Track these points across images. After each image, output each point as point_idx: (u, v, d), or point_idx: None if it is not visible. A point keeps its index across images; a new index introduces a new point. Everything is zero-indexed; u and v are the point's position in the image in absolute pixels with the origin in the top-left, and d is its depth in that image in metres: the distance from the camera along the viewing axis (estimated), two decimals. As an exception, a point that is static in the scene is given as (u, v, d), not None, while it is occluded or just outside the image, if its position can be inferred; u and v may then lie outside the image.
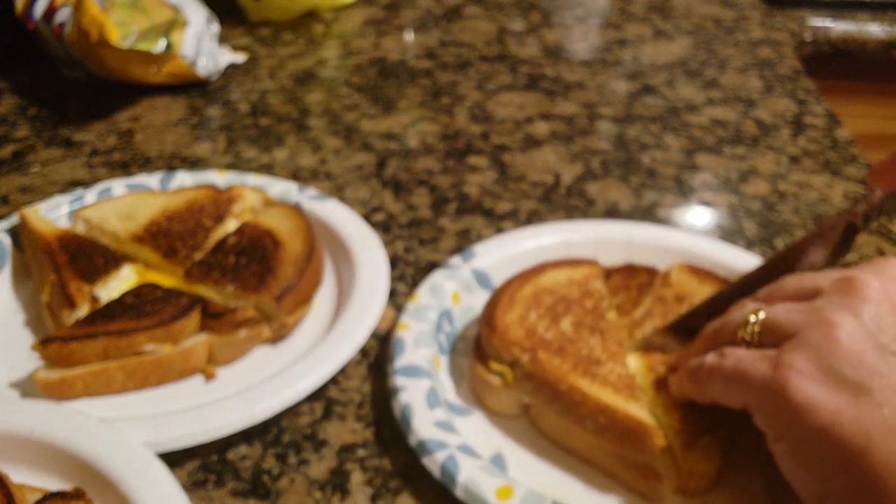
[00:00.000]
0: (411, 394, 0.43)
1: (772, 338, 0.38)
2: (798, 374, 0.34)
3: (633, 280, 0.51)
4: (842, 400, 0.33)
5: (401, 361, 0.46)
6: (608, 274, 0.52)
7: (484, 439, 0.44)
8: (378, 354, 0.49)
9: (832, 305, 0.36)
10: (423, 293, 0.50)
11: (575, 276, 0.50)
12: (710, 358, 0.39)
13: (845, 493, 0.33)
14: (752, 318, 0.39)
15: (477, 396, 0.46)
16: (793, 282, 0.41)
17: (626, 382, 0.43)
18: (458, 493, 0.39)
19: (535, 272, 0.50)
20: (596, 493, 0.42)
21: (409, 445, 0.42)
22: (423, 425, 0.42)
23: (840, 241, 0.44)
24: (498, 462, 0.43)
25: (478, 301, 0.51)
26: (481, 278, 0.52)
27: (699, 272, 0.51)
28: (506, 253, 0.54)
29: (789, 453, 0.35)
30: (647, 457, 0.40)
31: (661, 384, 0.43)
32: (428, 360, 0.46)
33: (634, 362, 0.46)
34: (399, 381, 0.44)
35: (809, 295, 0.38)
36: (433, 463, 0.40)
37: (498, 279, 0.52)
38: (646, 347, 0.47)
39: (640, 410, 0.41)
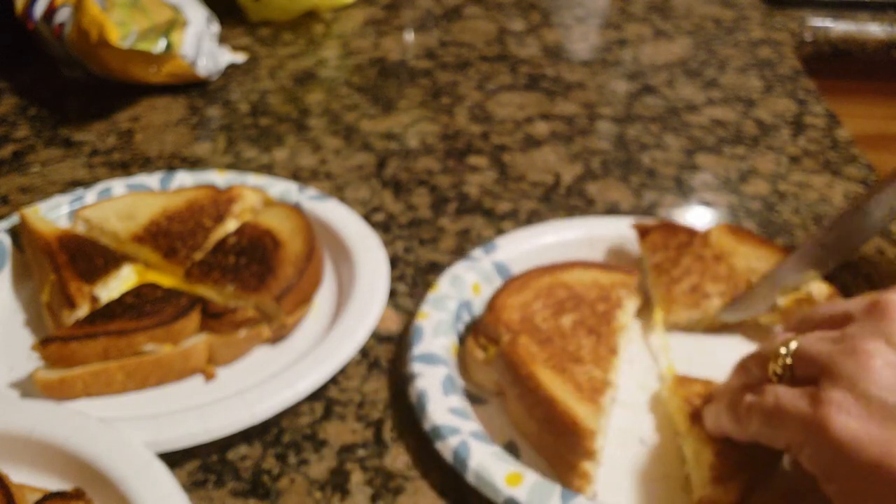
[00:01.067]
0: (427, 380, 0.44)
1: (805, 369, 0.36)
2: (838, 409, 0.33)
3: (672, 239, 0.53)
4: (888, 431, 0.32)
5: (419, 349, 0.46)
6: (645, 231, 0.53)
7: (498, 427, 0.44)
8: (377, 354, 0.49)
9: (863, 332, 0.35)
10: (444, 284, 0.51)
11: (603, 279, 0.50)
12: (749, 396, 0.38)
13: None
14: (783, 350, 0.38)
15: (463, 365, 0.47)
16: (822, 309, 0.40)
17: (593, 386, 0.43)
18: (469, 478, 0.39)
19: (562, 267, 0.51)
20: (607, 484, 0.42)
21: (424, 430, 0.42)
22: (438, 411, 0.42)
23: None
24: (511, 450, 0.43)
25: None
26: (502, 270, 0.53)
27: (738, 232, 0.53)
28: (528, 246, 0.55)
29: (842, 493, 0.34)
30: (578, 458, 0.40)
31: (696, 416, 0.43)
32: (446, 348, 0.47)
33: (668, 395, 0.46)
34: (416, 367, 0.45)
35: (840, 322, 0.37)
36: (446, 448, 0.41)
37: (518, 271, 0.52)
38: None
39: (588, 414, 0.41)
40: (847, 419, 0.33)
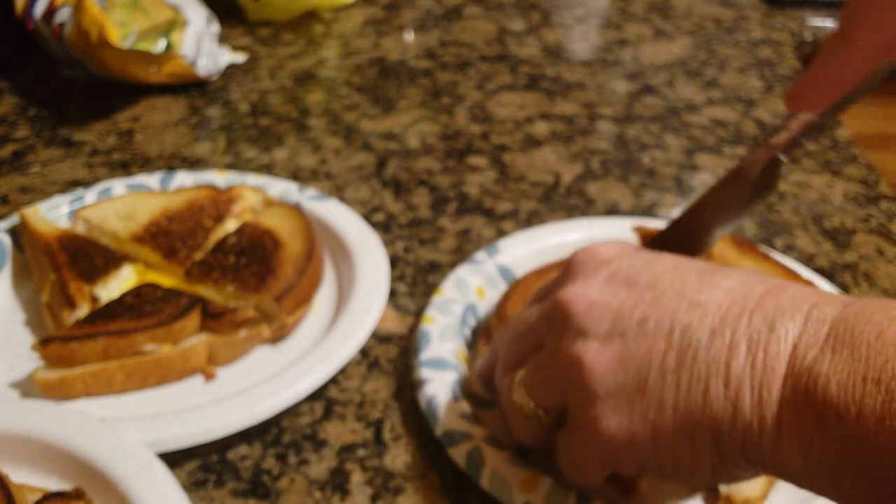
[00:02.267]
0: (437, 386, 0.44)
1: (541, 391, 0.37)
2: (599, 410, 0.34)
3: (674, 248, 0.52)
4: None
5: (426, 354, 0.46)
6: (646, 236, 0.52)
7: (507, 431, 0.44)
8: (377, 354, 0.49)
9: (552, 352, 0.36)
10: (449, 287, 0.51)
11: None
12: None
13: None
14: (519, 395, 0.38)
15: (473, 370, 0.47)
16: (508, 337, 0.41)
17: None
18: (484, 483, 0.39)
19: (558, 267, 0.50)
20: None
21: (435, 436, 0.42)
22: (450, 417, 0.42)
23: (761, 178, 0.43)
24: (520, 454, 0.43)
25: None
26: (505, 273, 0.53)
27: (742, 244, 0.53)
28: (530, 248, 0.55)
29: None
30: None
31: None
32: (454, 353, 0.47)
33: None
34: (425, 373, 0.45)
35: (533, 342, 0.38)
36: (459, 453, 0.40)
37: (522, 274, 0.52)
38: None
39: None
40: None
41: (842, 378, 0.27)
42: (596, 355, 0.34)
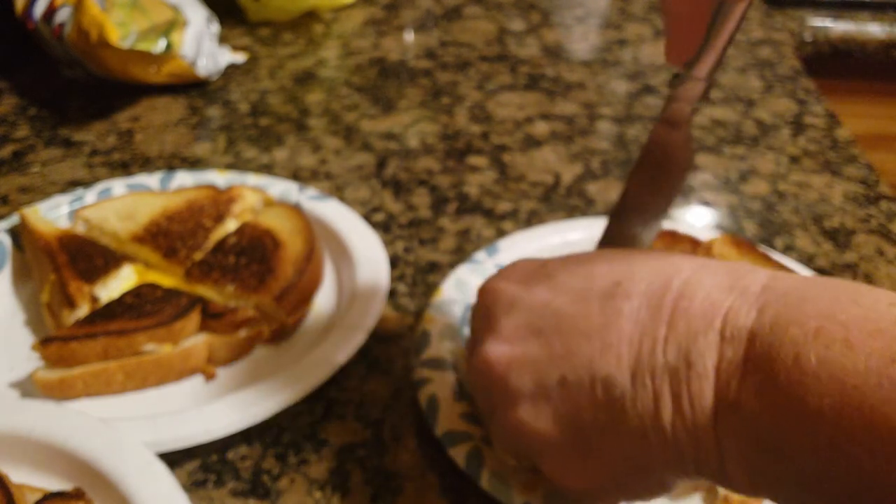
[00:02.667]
0: (437, 386, 0.44)
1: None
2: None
3: (675, 248, 0.52)
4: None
5: (426, 354, 0.46)
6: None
7: None
8: (377, 354, 0.49)
9: (498, 424, 0.36)
10: (449, 288, 0.51)
11: None
12: None
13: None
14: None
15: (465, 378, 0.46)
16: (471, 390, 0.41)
17: None
18: (483, 484, 0.39)
19: None
20: None
21: (435, 436, 0.42)
22: (450, 417, 0.42)
23: (681, 156, 0.41)
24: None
25: None
26: None
27: (741, 244, 0.53)
28: (530, 248, 0.55)
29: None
30: None
31: None
32: (454, 353, 0.47)
33: None
34: (425, 373, 0.45)
35: (485, 407, 0.39)
36: (459, 454, 0.40)
37: None
38: None
39: None
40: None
41: (769, 414, 0.27)
42: (534, 419, 0.34)
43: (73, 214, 0.56)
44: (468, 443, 0.41)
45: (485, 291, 0.38)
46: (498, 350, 0.35)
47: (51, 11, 0.73)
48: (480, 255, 0.54)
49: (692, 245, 0.53)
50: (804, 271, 0.53)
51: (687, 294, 0.31)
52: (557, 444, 0.33)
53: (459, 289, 0.51)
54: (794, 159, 0.70)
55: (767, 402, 0.27)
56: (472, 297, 0.51)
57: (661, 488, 0.33)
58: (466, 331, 0.49)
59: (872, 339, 0.25)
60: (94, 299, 0.49)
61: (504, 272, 0.39)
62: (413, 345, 0.48)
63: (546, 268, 0.37)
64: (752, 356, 0.28)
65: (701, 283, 0.31)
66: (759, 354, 0.28)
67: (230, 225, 0.55)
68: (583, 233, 0.56)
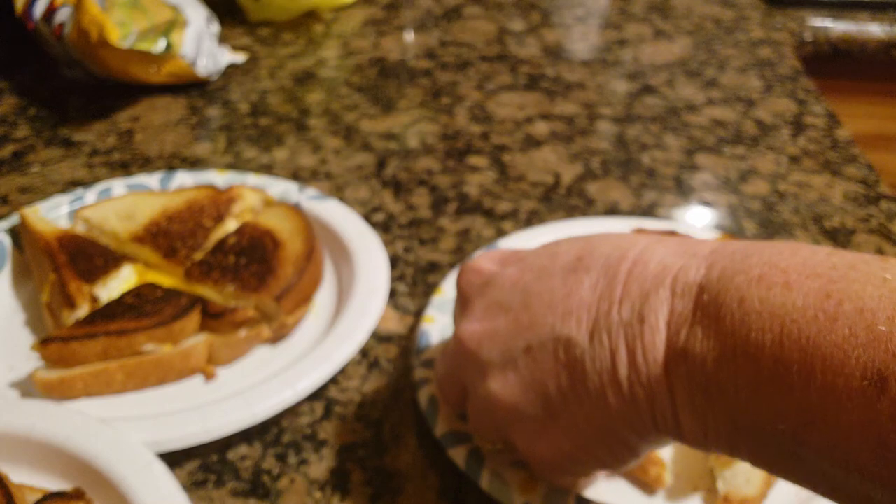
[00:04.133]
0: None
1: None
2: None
3: None
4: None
5: (426, 354, 0.46)
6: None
7: None
8: (378, 354, 0.49)
9: (473, 397, 0.38)
10: (449, 287, 0.51)
11: None
12: None
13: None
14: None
15: None
16: (439, 378, 0.43)
17: None
18: (483, 484, 0.39)
19: None
20: (619, 489, 0.41)
21: (435, 437, 0.42)
22: (449, 417, 0.42)
23: None
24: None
25: None
26: None
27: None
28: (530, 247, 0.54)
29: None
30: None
31: None
32: None
33: None
34: (425, 373, 0.45)
35: (459, 384, 0.40)
36: (458, 454, 0.40)
37: None
38: None
39: None
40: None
41: (714, 355, 0.28)
42: (502, 388, 0.35)
43: (73, 214, 0.56)
44: (468, 443, 0.41)
45: (461, 273, 0.41)
46: (470, 328, 0.37)
47: (51, 11, 0.73)
48: (479, 254, 0.54)
49: None
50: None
51: (641, 261, 0.33)
52: (525, 412, 0.35)
53: None
54: (794, 159, 0.70)
55: (714, 344, 0.28)
56: None
57: (628, 451, 0.34)
58: None
59: (810, 280, 0.27)
60: (94, 299, 0.49)
61: (479, 255, 0.41)
62: (413, 345, 0.48)
63: (518, 253, 0.40)
64: (700, 305, 0.30)
65: (655, 251, 0.33)
66: (706, 303, 0.29)
67: (230, 225, 0.55)
68: (582, 232, 0.56)
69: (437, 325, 0.48)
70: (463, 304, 0.40)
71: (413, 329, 0.51)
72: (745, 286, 0.28)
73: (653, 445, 0.34)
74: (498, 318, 0.36)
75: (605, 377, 0.32)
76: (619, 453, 0.34)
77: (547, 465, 0.36)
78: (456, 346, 0.38)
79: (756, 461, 0.29)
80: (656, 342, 0.31)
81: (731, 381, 0.28)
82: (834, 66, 1.00)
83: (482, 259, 0.40)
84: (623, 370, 0.31)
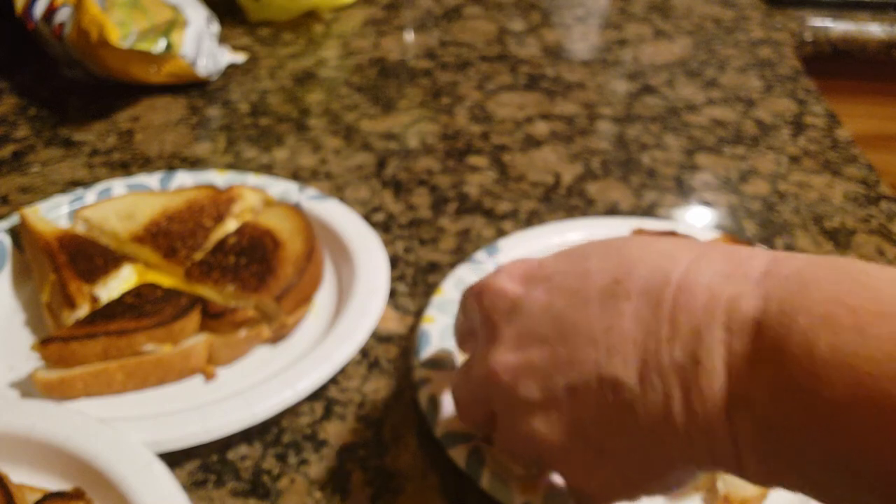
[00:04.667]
0: (437, 386, 0.44)
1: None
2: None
3: None
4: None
5: (426, 354, 0.46)
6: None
7: None
8: (378, 354, 0.49)
9: (509, 430, 0.36)
10: (449, 287, 0.51)
11: None
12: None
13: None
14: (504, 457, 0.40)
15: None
16: (460, 403, 0.40)
17: None
18: (484, 484, 0.39)
19: None
20: None
21: (435, 437, 0.42)
22: (450, 417, 0.42)
23: None
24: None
25: None
26: None
27: (739, 243, 0.53)
28: (530, 248, 0.55)
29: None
30: None
31: None
32: (454, 353, 0.47)
33: None
34: (425, 373, 0.45)
35: (486, 410, 0.38)
36: (459, 455, 0.40)
37: None
38: None
39: None
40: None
41: (783, 407, 0.27)
42: (547, 428, 0.34)
43: (73, 214, 0.56)
44: (468, 443, 0.41)
45: (482, 293, 0.38)
46: (503, 360, 0.35)
47: (51, 11, 0.73)
48: (481, 255, 0.54)
49: None
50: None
51: (686, 287, 0.30)
52: (571, 449, 0.33)
53: (459, 289, 0.51)
54: (795, 159, 0.70)
55: (780, 393, 0.27)
56: None
57: (679, 483, 0.33)
58: None
59: (882, 322, 0.25)
60: (94, 299, 0.49)
61: (500, 273, 0.38)
62: (413, 345, 0.48)
63: (543, 268, 0.36)
64: (760, 347, 0.27)
65: (700, 273, 0.30)
66: (767, 346, 0.27)
67: (230, 225, 0.55)
68: (583, 232, 0.56)
69: (437, 324, 0.48)
70: (489, 331, 0.37)
71: (413, 329, 0.51)
72: (811, 329, 0.26)
73: (703, 476, 0.33)
74: (532, 349, 0.34)
75: (658, 419, 0.30)
76: (673, 485, 0.33)
77: (595, 499, 0.35)
78: (487, 377, 0.36)
79: (825, 501, 0.28)
80: (714, 387, 0.28)
81: (802, 431, 0.26)
82: (834, 66, 1.00)
83: (503, 278, 0.37)
84: (679, 415, 0.29)
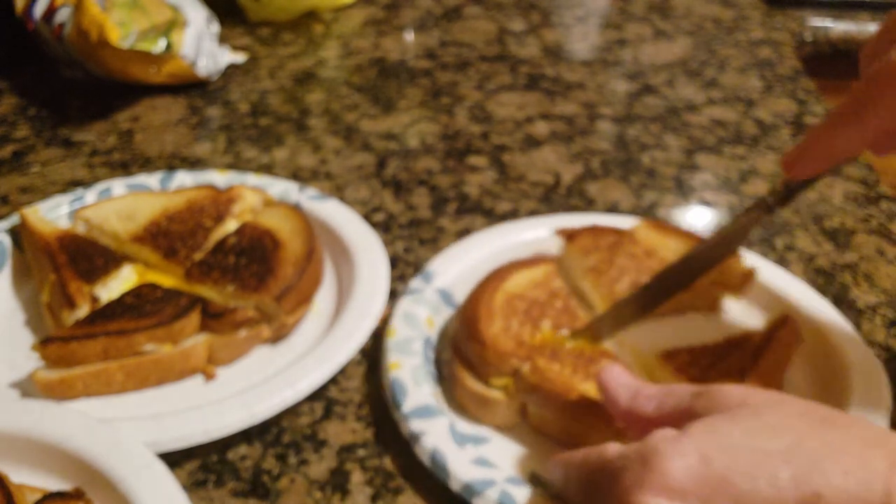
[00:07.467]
0: (435, 437, 0.41)
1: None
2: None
3: (601, 241, 0.53)
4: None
5: (409, 405, 0.43)
6: (571, 236, 0.54)
7: (517, 462, 0.42)
8: (377, 354, 0.49)
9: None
10: (400, 325, 0.48)
11: (535, 276, 0.51)
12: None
13: None
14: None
15: (474, 415, 0.44)
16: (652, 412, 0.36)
17: None
18: None
19: (496, 279, 0.50)
20: None
21: (454, 490, 0.40)
22: (461, 466, 0.40)
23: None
24: (535, 482, 0.41)
25: (448, 322, 0.51)
26: (446, 297, 0.52)
27: (663, 227, 0.55)
28: (461, 266, 0.53)
29: None
30: None
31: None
32: (433, 395, 0.44)
33: (660, 373, 0.46)
34: (415, 424, 0.42)
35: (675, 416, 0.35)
36: (487, 502, 0.38)
37: (461, 295, 0.51)
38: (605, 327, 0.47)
39: None
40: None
41: None
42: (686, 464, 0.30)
43: (73, 214, 0.56)
44: (492, 488, 0.39)
45: (644, 491, 0.31)
46: None
47: (51, 11, 0.73)
48: (417, 283, 0.51)
49: (616, 235, 0.53)
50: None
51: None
52: None
53: (410, 323, 0.48)
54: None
55: None
56: (424, 330, 0.48)
57: None
58: (430, 367, 0.47)
59: None
60: (94, 299, 0.49)
61: (665, 482, 0.31)
62: (388, 395, 0.45)
63: (724, 482, 0.31)
64: None
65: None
66: None
67: (230, 225, 0.55)
68: (504, 240, 0.55)
69: (405, 369, 0.45)
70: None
71: (375, 376, 0.48)
72: None
73: None
74: None
75: None
76: None
77: None
78: None
79: None
80: None
81: None
82: (834, 66, 1.00)
83: (673, 490, 0.31)
84: None
